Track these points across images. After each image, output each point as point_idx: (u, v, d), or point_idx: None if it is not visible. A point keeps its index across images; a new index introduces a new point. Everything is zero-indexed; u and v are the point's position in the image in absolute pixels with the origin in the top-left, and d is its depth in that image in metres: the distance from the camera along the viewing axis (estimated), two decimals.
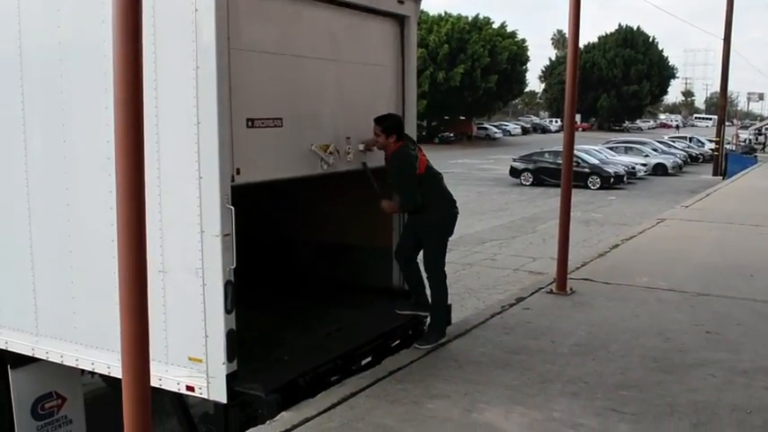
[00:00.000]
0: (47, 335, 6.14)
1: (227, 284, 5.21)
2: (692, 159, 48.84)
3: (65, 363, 6.12)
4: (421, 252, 7.02)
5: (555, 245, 9.57)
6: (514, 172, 35.68)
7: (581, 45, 9.29)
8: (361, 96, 6.86)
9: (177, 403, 5.84)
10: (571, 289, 9.23)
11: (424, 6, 7.72)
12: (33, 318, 6.18)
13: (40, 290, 6.14)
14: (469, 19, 65.79)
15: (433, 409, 5.58)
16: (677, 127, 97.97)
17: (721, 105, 42.20)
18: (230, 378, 5.29)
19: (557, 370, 6.46)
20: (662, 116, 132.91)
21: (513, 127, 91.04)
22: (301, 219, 8.29)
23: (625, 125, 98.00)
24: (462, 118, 72.21)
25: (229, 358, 5.27)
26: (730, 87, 46.12)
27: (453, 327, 7.51)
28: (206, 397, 5.39)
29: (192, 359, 5.36)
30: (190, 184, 5.18)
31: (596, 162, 35.16)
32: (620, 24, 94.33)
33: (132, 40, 3.49)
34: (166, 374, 5.42)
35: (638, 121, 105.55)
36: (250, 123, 5.57)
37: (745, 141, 55.77)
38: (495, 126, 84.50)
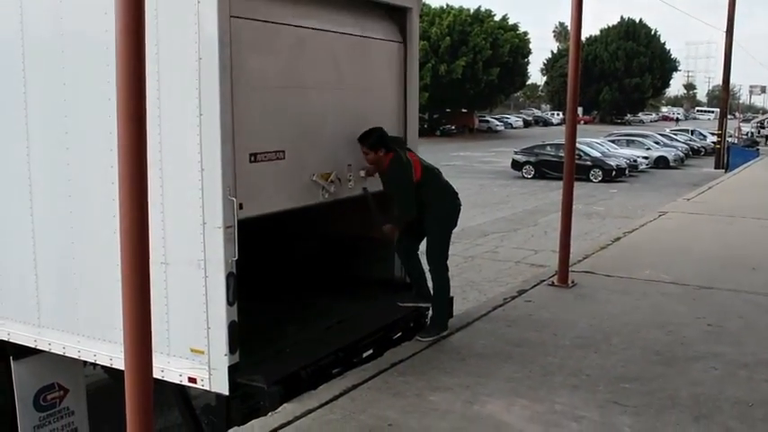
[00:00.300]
0: (49, 326, 6.15)
1: (229, 276, 5.22)
2: (694, 152, 48.82)
3: (67, 354, 6.13)
4: (423, 244, 7.02)
5: (556, 238, 9.56)
6: (516, 165, 35.70)
7: (583, 38, 9.25)
8: (363, 122, 6.80)
9: (179, 395, 5.86)
10: (573, 281, 9.22)
11: None
12: (35, 309, 6.18)
13: (43, 281, 6.14)
14: (471, 11, 65.71)
15: (436, 401, 5.58)
16: (677, 120, 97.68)
17: (723, 98, 42.19)
18: (232, 370, 5.30)
19: (558, 362, 6.46)
20: (664, 109, 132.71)
21: (514, 120, 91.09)
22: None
23: (627, 118, 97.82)
24: (464, 111, 72.22)
25: (231, 350, 5.28)
26: (732, 80, 46.02)
27: (455, 319, 7.51)
28: (208, 388, 5.40)
29: (194, 351, 5.37)
30: (192, 176, 5.18)
31: (598, 155, 35.17)
32: (622, 17, 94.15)
33: (135, 31, 3.48)
34: (168, 366, 5.43)
35: (639, 114, 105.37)
36: (253, 158, 5.60)
37: (747, 134, 55.80)
38: (496, 119, 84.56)
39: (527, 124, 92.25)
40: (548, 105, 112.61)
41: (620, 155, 37.50)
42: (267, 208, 5.82)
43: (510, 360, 6.50)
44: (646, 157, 40.34)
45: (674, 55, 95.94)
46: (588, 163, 33.59)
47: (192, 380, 5.43)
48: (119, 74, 3.51)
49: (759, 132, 58.69)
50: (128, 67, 3.49)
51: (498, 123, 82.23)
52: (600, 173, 33.83)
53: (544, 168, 34.02)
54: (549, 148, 35.44)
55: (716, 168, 38.47)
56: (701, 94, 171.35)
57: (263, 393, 5.41)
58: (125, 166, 3.56)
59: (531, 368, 6.31)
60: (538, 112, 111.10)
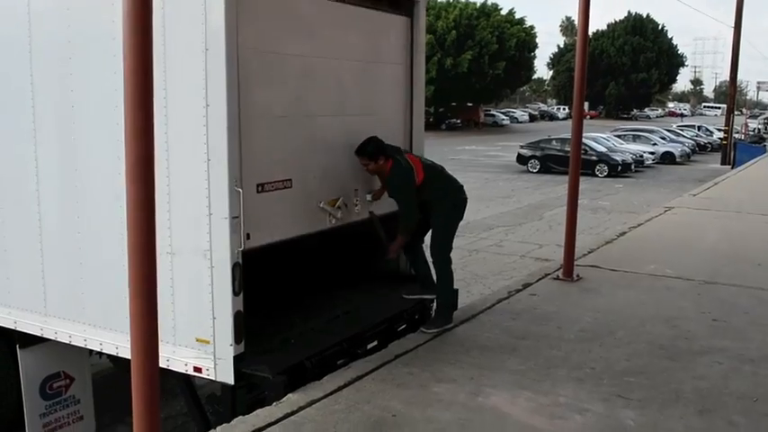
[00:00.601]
0: (55, 315, 6.17)
1: (234, 266, 5.23)
2: (701, 148, 48.64)
3: (73, 343, 6.16)
4: (427, 237, 7.03)
5: (561, 232, 9.56)
6: (521, 159, 35.62)
7: (590, 32, 9.26)
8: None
9: (184, 384, 5.87)
10: (578, 275, 9.23)
11: None
12: (42, 298, 6.21)
13: (49, 271, 6.16)
14: (477, 5, 65.63)
15: (440, 392, 5.60)
16: (681, 115, 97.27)
17: (730, 94, 42.07)
18: (237, 360, 5.33)
19: (563, 355, 6.48)
20: (670, 104, 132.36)
21: (520, 114, 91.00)
22: None
23: (633, 113, 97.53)
24: (470, 105, 72.15)
25: (237, 340, 5.30)
26: (740, 76, 46.00)
27: (460, 312, 7.52)
28: (213, 378, 5.42)
29: (199, 340, 5.39)
30: (198, 167, 5.19)
31: (604, 150, 35.06)
32: (629, 12, 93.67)
33: (142, 21, 3.49)
34: (174, 355, 5.45)
35: (646, 110, 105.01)
36: (260, 188, 5.65)
37: (754, 130, 55.60)
38: (502, 113, 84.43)
39: (533, 119, 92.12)
40: (554, 100, 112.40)
41: (626, 150, 37.36)
42: (274, 237, 5.88)
43: (514, 353, 6.52)
44: (652, 153, 40.17)
45: (681, 50, 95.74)
46: (594, 158, 33.49)
47: (197, 369, 5.46)
48: (126, 64, 3.52)
49: (766, 129, 58.44)
50: (135, 58, 3.50)
51: (504, 117, 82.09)
52: (605, 168, 33.73)
53: (549, 163, 33.94)
54: (554, 142, 35.37)
55: (722, 164, 38.34)
56: (708, 90, 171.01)
57: (267, 383, 5.43)
58: (132, 157, 3.57)
59: (535, 361, 6.33)
60: (544, 107, 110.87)
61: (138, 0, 3.46)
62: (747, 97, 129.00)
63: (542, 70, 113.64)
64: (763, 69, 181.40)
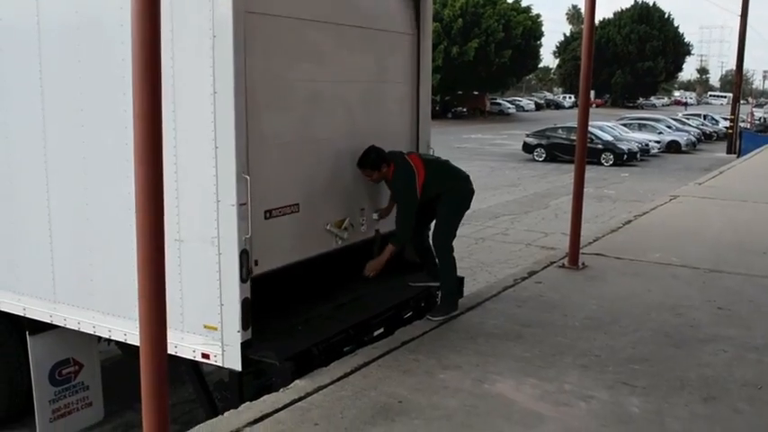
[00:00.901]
0: (64, 302, 6.21)
1: (242, 253, 5.26)
2: (706, 137, 48.52)
3: (82, 330, 6.20)
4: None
5: (567, 220, 9.57)
6: (527, 147, 35.57)
7: (596, 21, 9.28)
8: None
9: (192, 371, 5.91)
10: (583, 264, 9.24)
11: None
12: (51, 285, 6.25)
13: (58, 257, 6.20)
14: None
15: (445, 379, 5.63)
16: (686, 104, 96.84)
17: (736, 83, 41.96)
18: (245, 346, 5.36)
19: (568, 343, 6.50)
20: (676, 93, 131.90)
21: (526, 102, 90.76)
22: None
23: (639, 102, 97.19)
24: (476, 93, 71.95)
25: (244, 326, 5.34)
26: (746, 65, 45.72)
27: (465, 299, 7.55)
28: (221, 365, 5.46)
29: (207, 327, 5.42)
30: (206, 154, 5.21)
31: (610, 139, 34.99)
32: (635, 0, 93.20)
33: (150, 9, 3.50)
34: (182, 342, 5.49)
35: (652, 98, 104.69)
36: (268, 215, 5.71)
37: (759, 119, 55.35)
38: (508, 101, 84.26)
39: (539, 107, 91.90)
40: (560, 88, 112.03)
41: (632, 139, 37.28)
42: (282, 261, 5.95)
43: (520, 340, 6.54)
44: (657, 142, 40.09)
45: (687, 39, 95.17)
46: (600, 146, 33.43)
47: (205, 356, 5.49)
48: (134, 51, 3.53)
49: None
50: (143, 45, 3.51)
51: (510, 106, 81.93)
52: (611, 156, 33.67)
53: (555, 151, 33.90)
54: (560, 131, 35.28)
55: (728, 153, 38.30)
56: (714, 79, 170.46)
57: (275, 369, 5.47)
58: (140, 144, 3.59)
59: (540, 348, 6.35)
60: (549, 95, 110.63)
61: None
62: (754, 86, 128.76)
63: (548, 59, 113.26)
64: None
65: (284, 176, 5.94)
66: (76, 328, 6.22)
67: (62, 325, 6.30)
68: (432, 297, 7.33)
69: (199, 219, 5.34)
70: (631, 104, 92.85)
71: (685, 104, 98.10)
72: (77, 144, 5.91)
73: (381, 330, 6.73)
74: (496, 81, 69.42)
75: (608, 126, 37.80)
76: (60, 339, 6.65)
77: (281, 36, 5.82)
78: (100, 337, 6.52)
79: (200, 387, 5.96)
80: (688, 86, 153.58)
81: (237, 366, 5.38)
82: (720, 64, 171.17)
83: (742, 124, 43.76)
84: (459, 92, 68.83)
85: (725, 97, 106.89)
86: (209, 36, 5.09)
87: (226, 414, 5.10)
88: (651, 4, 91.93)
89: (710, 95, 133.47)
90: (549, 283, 8.52)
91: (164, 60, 3.63)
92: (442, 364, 5.91)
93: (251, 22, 5.30)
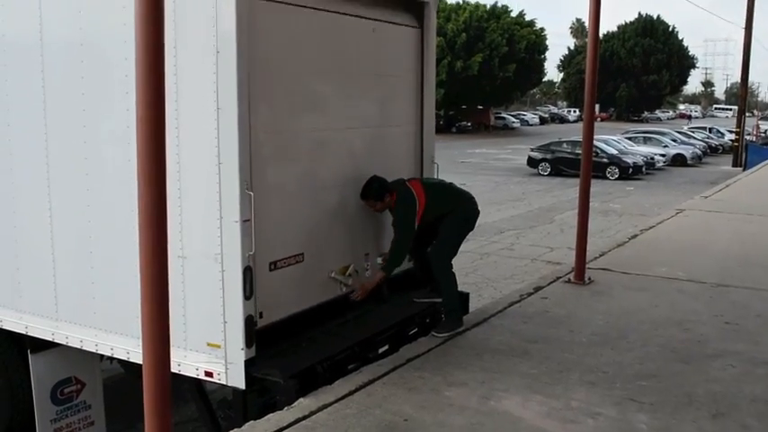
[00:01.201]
0: (67, 320, 6.18)
1: (246, 270, 5.23)
2: (712, 150, 48.49)
3: (84, 348, 6.16)
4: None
5: (572, 235, 9.54)
6: (532, 162, 35.58)
7: (600, 34, 9.27)
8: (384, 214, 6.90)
9: (196, 389, 5.87)
10: (589, 278, 9.20)
11: None
12: (53, 303, 6.22)
13: (60, 275, 6.17)
14: (487, 7, 65.61)
15: (451, 396, 5.58)
16: (689, 117, 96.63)
17: (742, 96, 41.90)
18: (249, 364, 5.32)
19: (575, 359, 6.45)
20: (681, 107, 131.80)
21: (530, 117, 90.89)
22: None
23: (644, 115, 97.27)
24: (480, 107, 72.10)
25: (248, 344, 5.30)
26: (751, 78, 45.83)
27: (471, 315, 7.51)
28: (224, 383, 5.42)
29: (210, 345, 5.38)
30: (209, 170, 5.19)
31: (615, 152, 34.99)
32: (639, 13, 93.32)
33: (153, 25, 3.49)
34: (185, 360, 5.45)
35: (657, 112, 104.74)
36: (273, 267, 5.68)
37: (765, 132, 55.33)
38: (512, 116, 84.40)
39: (543, 121, 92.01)
40: (564, 102, 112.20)
41: (637, 152, 37.27)
42: (286, 312, 5.92)
43: (526, 356, 6.49)
44: (663, 155, 40.06)
45: (691, 52, 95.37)
46: (605, 160, 33.44)
47: (208, 374, 5.45)
48: (138, 68, 3.52)
49: None
50: (147, 61, 3.50)
51: (514, 120, 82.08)
52: (616, 170, 33.67)
53: (560, 165, 33.92)
54: (565, 145, 35.33)
55: (734, 166, 38.22)
56: (719, 92, 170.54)
57: (279, 387, 5.42)
58: (143, 161, 3.57)
59: (547, 364, 6.30)
60: (554, 109, 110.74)
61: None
62: (759, 99, 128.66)
63: (552, 72, 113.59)
64: None
65: (289, 227, 5.91)
66: (79, 347, 6.18)
67: (64, 343, 6.27)
68: (437, 313, 7.28)
69: (202, 235, 5.32)
70: (636, 118, 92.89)
71: (689, 117, 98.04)
72: (80, 160, 5.89)
73: (386, 347, 6.69)
74: (501, 95, 69.57)
75: (613, 140, 37.79)
76: (62, 358, 6.61)
77: (285, 87, 5.80)
78: (102, 356, 6.48)
79: (203, 406, 5.92)
80: (693, 99, 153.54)
81: (241, 384, 5.34)
82: (725, 77, 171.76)
83: (747, 137, 43.72)
84: (464, 106, 68.97)
85: (730, 110, 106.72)
86: (212, 52, 5.07)
87: None
88: (655, 17, 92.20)
89: (716, 108, 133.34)
90: (555, 298, 8.47)
91: (167, 76, 3.61)
92: (447, 381, 5.86)
93: (255, 75, 5.30)
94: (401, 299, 7.24)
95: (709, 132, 54.41)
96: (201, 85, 5.16)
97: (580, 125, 10.19)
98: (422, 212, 6.72)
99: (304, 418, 5.16)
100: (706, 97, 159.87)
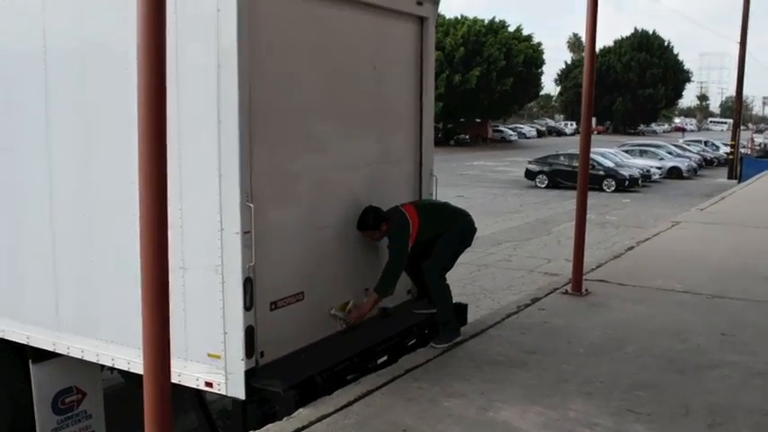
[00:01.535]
0: (68, 330, 6.20)
1: (246, 282, 5.26)
2: (707, 163, 48.66)
3: (85, 358, 6.19)
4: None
5: (570, 247, 9.58)
6: (529, 174, 35.69)
7: (597, 49, 9.34)
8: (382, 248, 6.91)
9: (196, 399, 5.89)
10: (586, 290, 9.24)
11: (440, 9, 7.80)
12: (55, 313, 6.25)
13: (62, 286, 6.20)
14: (485, 22, 65.69)
15: (450, 407, 5.61)
16: (683, 130, 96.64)
17: (737, 109, 42.12)
18: (248, 374, 5.35)
19: (572, 370, 6.48)
20: (677, 120, 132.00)
21: (528, 130, 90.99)
22: None
23: (640, 128, 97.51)
24: (478, 120, 72.23)
25: (248, 355, 5.33)
26: (746, 91, 46.06)
27: (469, 326, 7.54)
28: (224, 393, 5.44)
29: (210, 355, 5.41)
30: (210, 182, 5.23)
31: (611, 165, 35.09)
32: (635, 28, 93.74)
33: (155, 36, 3.54)
34: (185, 370, 5.47)
35: (652, 125, 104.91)
36: (273, 306, 5.71)
37: (760, 145, 55.47)
38: (510, 129, 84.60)
39: (540, 134, 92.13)
40: (561, 115, 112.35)
41: (634, 165, 37.44)
42: (287, 349, 5.92)
43: (524, 367, 6.52)
44: (659, 168, 40.20)
45: (687, 66, 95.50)
46: (601, 173, 33.54)
47: (208, 384, 5.48)
48: (140, 80, 3.56)
49: None
50: (148, 74, 3.55)
51: (512, 133, 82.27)
52: (613, 183, 33.76)
53: (557, 178, 34.01)
54: (562, 157, 35.46)
55: (729, 179, 38.34)
56: (714, 105, 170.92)
57: (278, 398, 5.44)
58: (144, 172, 3.61)
59: (544, 375, 6.33)
60: (551, 122, 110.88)
61: (150, 6, 3.51)
62: (753, 112, 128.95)
63: (550, 86, 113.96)
64: None
65: (289, 266, 5.92)
66: (80, 357, 6.21)
67: (65, 353, 6.29)
68: (436, 324, 7.30)
69: (203, 247, 5.35)
70: (632, 131, 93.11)
71: (684, 130, 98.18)
72: (81, 170, 5.94)
73: (385, 358, 6.72)
74: (498, 108, 69.63)
75: (609, 152, 37.90)
76: (63, 367, 6.63)
77: (287, 129, 5.84)
78: (103, 366, 6.50)
79: (203, 416, 5.94)
80: (688, 113, 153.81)
81: (241, 395, 5.36)
82: (720, 90, 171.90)
83: (742, 150, 43.86)
84: (462, 119, 69.04)
85: (725, 123, 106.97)
86: (213, 66, 5.12)
87: None
88: (651, 32, 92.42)
89: (711, 122, 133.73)
90: (553, 309, 8.50)
91: (168, 89, 3.65)
92: (446, 391, 5.89)
93: (256, 117, 5.35)
94: (400, 310, 7.26)
95: (705, 145, 54.56)
96: (202, 99, 5.20)
97: (577, 138, 10.26)
98: (415, 234, 6.73)
99: (303, 428, 5.18)
100: (701, 110, 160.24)
